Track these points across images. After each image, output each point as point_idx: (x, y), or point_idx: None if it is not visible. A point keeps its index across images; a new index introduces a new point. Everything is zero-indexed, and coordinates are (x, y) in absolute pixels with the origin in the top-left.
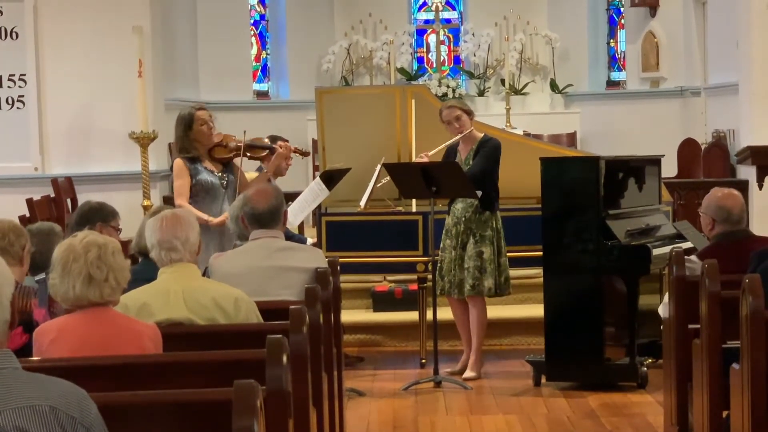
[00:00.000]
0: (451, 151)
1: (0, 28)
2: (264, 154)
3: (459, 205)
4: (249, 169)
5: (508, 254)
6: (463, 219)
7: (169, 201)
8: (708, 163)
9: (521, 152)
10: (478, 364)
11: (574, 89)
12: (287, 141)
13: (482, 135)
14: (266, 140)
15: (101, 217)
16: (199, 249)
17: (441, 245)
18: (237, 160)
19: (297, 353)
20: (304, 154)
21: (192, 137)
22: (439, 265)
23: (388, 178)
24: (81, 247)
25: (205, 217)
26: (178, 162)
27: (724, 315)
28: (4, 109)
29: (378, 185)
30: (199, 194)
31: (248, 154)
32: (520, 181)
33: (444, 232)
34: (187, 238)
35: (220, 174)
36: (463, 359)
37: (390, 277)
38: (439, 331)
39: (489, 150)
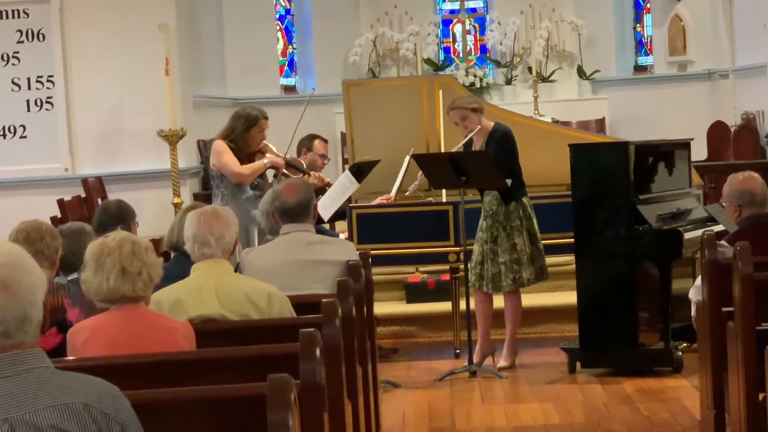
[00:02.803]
0: (468, 144)
1: (27, 30)
2: (298, 174)
3: (487, 198)
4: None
5: (541, 242)
6: (491, 212)
7: (199, 197)
8: (738, 145)
9: (550, 140)
10: (513, 353)
11: (601, 75)
12: (326, 141)
13: (492, 125)
14: (302, 164)
15: (131, 215)
16: (234, 248)
17: (476, 236)
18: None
19: (330, 346)
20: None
21: (245, 137)
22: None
23: (416, 181)
24: (115, 243)
25: (261, 162)
26: (221, 142)
27: (758, 297)
28: (32, 111)
29: (413, 184)
30: (228, 186)
31: (284, 171)
32: (549, 168)
33: (479, 223)
34: (221, 236)
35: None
36: (478, 350)
37: (422, 268)
38: (473, 321)
39: (496, 142)
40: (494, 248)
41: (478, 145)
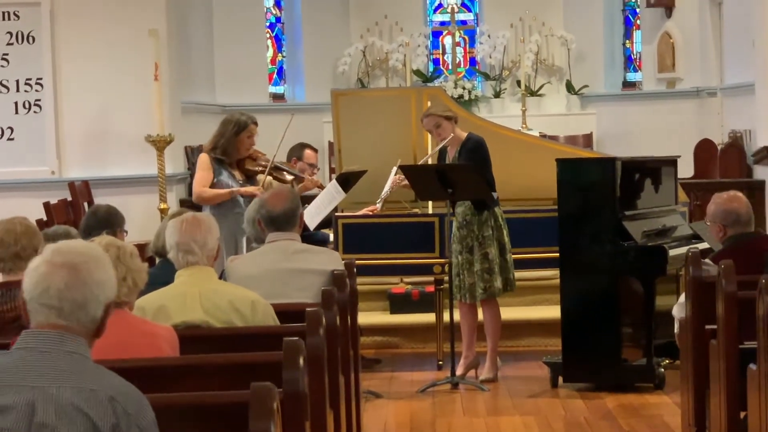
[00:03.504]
0: (442, 154)
1: (17, 33)
2: (289, 179)
3: (460, 209)
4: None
5: (525, 255)
6: (464, 222)
7: (185, 203)
8: (724, 163)
9: (537, 154)
10: (495, 365)
11: (590, 90)
12: (316, 150)
13: (465, 135)
14: (294, 167)
15: (119, 221)
16: (217, 254)
17: (451, 248)
18: (261, 176)
19: (314, 355)
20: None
21: (234, 142)
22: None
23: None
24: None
25: (228, 190)
26: (205, 156)
27: (741, 315)
28: (21, 114)
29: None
30: None
31: (274, 174)
32: (536, 182)
33: (452, 237)
34: (205, 242)
35: (241, 182)
36: (462, 363)
37: (407, 279)
38: (456, 333)
39: (468, 151)
40: (470, 258)
41: (451, 155)
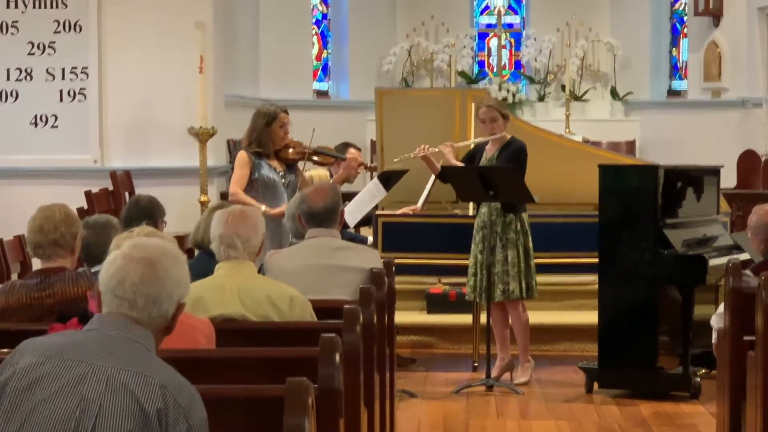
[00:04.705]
0: (480, 148)
1: (64, 22)
2: (331, 161)
3: (483, 209)
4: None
5: (564, 260)
6: (488, 223)
7: (226, 197)
8: None
9: (580, 159)
10: (528, 368)
11: (634, 97)
12: (359, 149)
13: (509, 137)
14: (333, 149)
15: (160, 213)
16: (259, 251)
17: (471, 250)
18: (301, 164)
19: (350, 352)
20: (371, 168)
21: (267, 133)
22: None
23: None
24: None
25: (261, 206)
26: (243, 154)
27: None
28: (65, 102)
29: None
30: (260, 189)
31: (314, 159)
32: (577, 187)
33: (473, 237)
34: (248, 239)
35: (282, 173)
36: (498, 365)
37: (445, 280)
38: (492, 335)
39: (509, 154)
40: (491, 259)
41: (490, 153)
